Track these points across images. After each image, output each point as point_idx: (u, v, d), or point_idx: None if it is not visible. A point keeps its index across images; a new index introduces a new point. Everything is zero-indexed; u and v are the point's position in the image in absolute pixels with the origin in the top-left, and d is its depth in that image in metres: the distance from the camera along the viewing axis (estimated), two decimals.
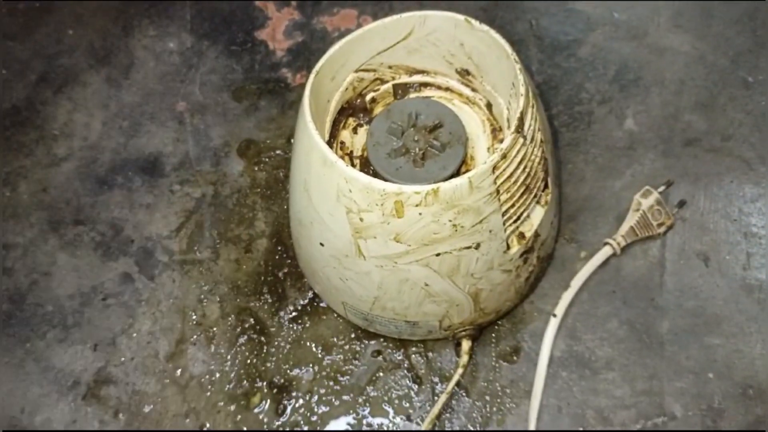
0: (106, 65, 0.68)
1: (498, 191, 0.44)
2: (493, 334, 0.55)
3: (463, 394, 0.54)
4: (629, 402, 0.52)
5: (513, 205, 0.46)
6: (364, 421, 0.53)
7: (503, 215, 0.45)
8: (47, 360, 0.56)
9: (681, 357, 0.53)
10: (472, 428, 0.53)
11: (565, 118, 0.60)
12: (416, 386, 0.54)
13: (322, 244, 0.49)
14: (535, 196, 0.48)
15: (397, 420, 0.53)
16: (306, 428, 0.53)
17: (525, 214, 0.47)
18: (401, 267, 0.47)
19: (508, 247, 0.47)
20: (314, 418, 0.53)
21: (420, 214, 0.43)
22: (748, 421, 0.51)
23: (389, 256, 0.46)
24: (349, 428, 0.53)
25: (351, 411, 0.54)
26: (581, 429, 0.52)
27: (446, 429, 0.53)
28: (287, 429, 0.53)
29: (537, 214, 0.49)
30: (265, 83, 0.66)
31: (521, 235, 0.48)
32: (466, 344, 0.53)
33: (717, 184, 0.58)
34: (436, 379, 0.54)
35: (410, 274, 0.47)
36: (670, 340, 0.54)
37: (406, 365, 0.55)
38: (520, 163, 0.45)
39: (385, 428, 0.53)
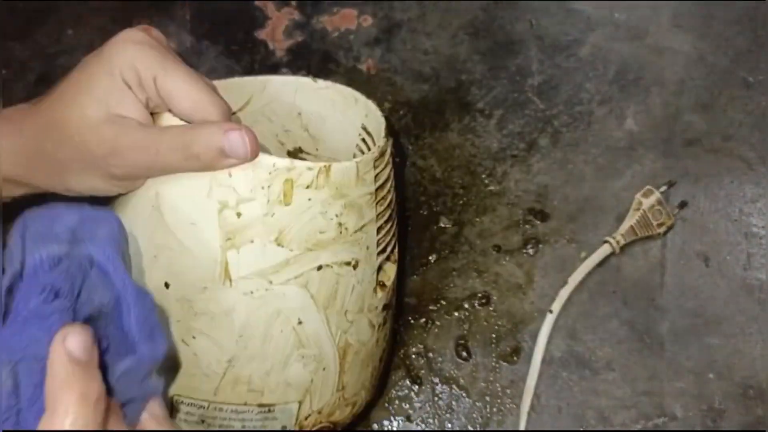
0: None
1: (376, 195, 0.42)
2: (493, 335, 0.55)
3: (464, 394, 0.53)
4: (629, 402, 0.52)
5: (382, 227, 0.44)
6: (364, 422, 0.53)
7: (377, 232, 0.43)
8: None
9: (681, 357, 0.53)
10: (471, 429, 0.53)
11: (565, 118, 0.60)
12: (416, 387, 0.54)
13: (167, 285, 0.40)
14: (393, 236, 0.46)
15: (398, 421, 0.53)
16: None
17: (388, 249, 0.45)
18: (275, 290, 0.40)
19: (375, 292, 0.45)
20: None
21: (309, 200, 0.40)
22: (749, 422, 0.51)
23: (264, 272, 0.40)
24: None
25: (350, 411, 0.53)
26: (581, 429, 0.52)
27: (446, 429, 0.53)
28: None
29: (391, 269, 0.47)
30: None
31: (382, 285, 0.46)
32: None
33: (717, 184, 0.58)
34: (437, 380, 0.54)
35: (285, 301, 0.41)
36: (670, 340, 0.53)
37: (406, 366, 0.55)
38: (387, 180, 0.44)
39: (386, 429, 0.53)
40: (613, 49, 0.62)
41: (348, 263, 0.42)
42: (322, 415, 0.45)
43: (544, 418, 0.52)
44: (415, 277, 0.57)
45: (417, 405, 0.54)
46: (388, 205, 0.46)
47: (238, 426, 0.42)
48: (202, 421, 0.42)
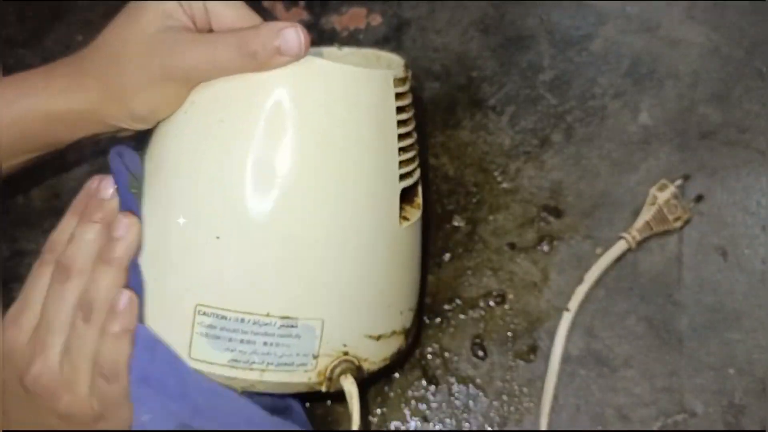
0: None
1: (397, 112, 0.45)
2: (510, 333, 0.55)
3: (480, 394, 0.53)
4: (648, 399, 0.52)
5: (404, 151, 0.46)
6: (381, 423, 0.53)
7: (398, 153, 0.45)
8: None
9: (700, 353, 0.52)
10: (489, 428, 0.52)
11: (578, 113, 0.60)
12: (433, 387, 0.54)
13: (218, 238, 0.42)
14: (414, 170, 0.47)
15: (414, 421, 0.53)
16: (320, 429, 0.53)
17: (410, 178, 0.47)
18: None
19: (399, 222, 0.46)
20: (330, 419, 0.53)
21: None
22: None
23: None
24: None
25: (367, 412, 0.53)
26: (600, 428, 0.51)
27: (463, 429, 0.53)
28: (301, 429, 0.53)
29: (413, 213, 0.48)
30: None
31: (404, 219, 0.47)
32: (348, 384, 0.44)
33: (734, 176, 0.57)
34: (453, 380, 0.54)
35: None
36: (689, 336, 0.53)
37: (421, 366, 0.55)
38: (408, 107, 0.46)
39: (402, 429, 0.53)
40: (625, 43, 0.61)
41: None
42: (347, 348, 0.44)
43: (563, 417, 0.52)
44: (429, 276, 0.57)
45: (434, 405, 0.53)
46: (409, 134, 0.46)
47: (260, 342, 0.42)
48: (219, 338, 0.42)
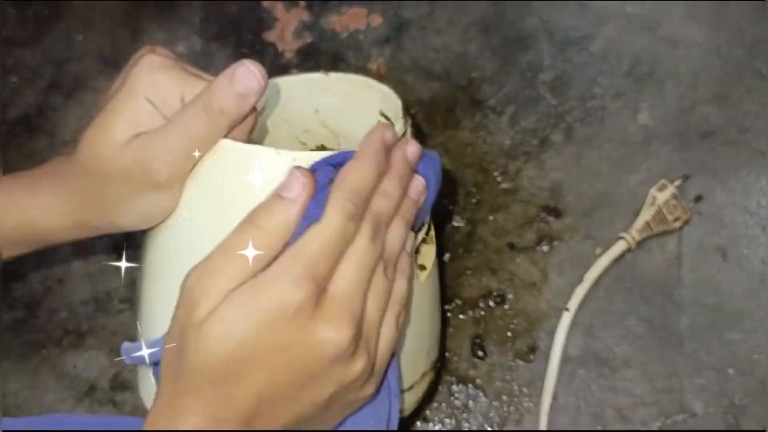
0: (116, 70, 0.67)
1: None
2: (509, 333, 0.55)
3: (480, 394, 0.53)
4: (649, 400, 0.52)
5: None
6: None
7: None
8: (62, 366, 0.56)
9: (701, 353, 0.52)
10: (489, 428, 0.52)
11: (578, 114, 0.60)
12: (433, 387, 0.54)
13: None
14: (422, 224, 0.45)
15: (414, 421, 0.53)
16: None
17: (423, 230, 0.45)
18: None
19: (417, 276, 0.45)
20: None
21: None
22: None
23: None
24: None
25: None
26: (600, 428, 0.51)
27: (463, 429, 0.53)
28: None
29: (429, 251, 0.47)
30: None
31: (423, 267, 0.46)
32: None
33: (734, 176, 0.57)
34: (453, 379, 0.54)
35: None
36: (689, 336, 0.53)
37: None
38: None
39: (402, 429, 0.53)
40: (625, 43, 0.61)
41: None
42: None
43: (563, 417, 0.52)
44: None
45: (433, 405, 0.53)
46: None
47: None
48: None
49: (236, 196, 0.39)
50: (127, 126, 0.39)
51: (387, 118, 0.47)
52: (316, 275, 0.34)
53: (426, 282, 0.46)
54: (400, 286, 0.39)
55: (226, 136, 0.39)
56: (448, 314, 0.56)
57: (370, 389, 0.38)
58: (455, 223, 0.58)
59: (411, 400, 0.47)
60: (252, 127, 0.41)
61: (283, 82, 0.49)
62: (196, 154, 0.39)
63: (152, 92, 0.40)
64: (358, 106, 0.49)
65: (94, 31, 0.69)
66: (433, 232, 0.48)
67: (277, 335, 0.33)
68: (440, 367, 0.52)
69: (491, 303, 0.56)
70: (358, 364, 0.35)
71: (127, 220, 0.41)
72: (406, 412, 0.47)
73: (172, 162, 0.39)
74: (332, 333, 0.34)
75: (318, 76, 0.51)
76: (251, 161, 0.38)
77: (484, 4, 0.64)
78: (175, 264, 0.40)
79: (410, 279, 0.40)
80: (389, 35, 0.64)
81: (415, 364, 0.46)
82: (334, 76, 0.51)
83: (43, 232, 0.43)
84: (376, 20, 0.65)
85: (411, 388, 0.46)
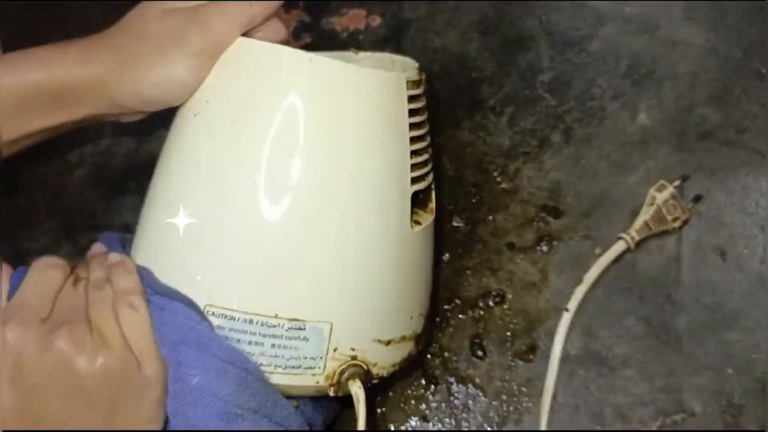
0: None
1: (409, 114, 0.45)
2: (509, 333, 0.55)
3: (480, 393, 0.53)
4: (647, 399, 0.52)
5: (417, 154, 0.46)
6: (380, 423, 0.53)
7: (410, 156, 0.45)
8: None
9: (699, 353, 0.52)
10: (488, 428, 0.52)
11: (577, 114, 0.60)
12: (432, 386, 0.54)
13: None
14: (428, 174, 0.47)
15: (414, 421, 0.53)
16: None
17: (424, 182, 0.47)
18: None
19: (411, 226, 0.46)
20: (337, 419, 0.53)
21: None
22: None
23: None
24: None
25: (366, 412, 0.53)
26: (599, 428, 0.51)
27: (463, 429, 0.53)
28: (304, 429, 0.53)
29: (426, 218, 0.48)
30: None
31: (417, 223, 0.47)
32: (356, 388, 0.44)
33: (732, 177, 0.57)
34: (452, 380, 0.54)
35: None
36: (687, 336, 0.53)
37: (421, 365, 0.55)
38: (422, 110, 0.47)
39: (402, 429, 0.53)
40: (624, 43, 0.62)
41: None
42: (355, 352, 0.44)
43: (562, 417, 0.52)
44: None
45: (433, 405, 0.53)
46: (422, 138, 0.47)
47: (268, 344, 0.42)
48: (228, 338, 0.42)
49: (254, 91, 0.42)
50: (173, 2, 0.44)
51: (412, 82, 0.47)
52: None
53: (416, 237, 0.46)
54: (121, 282, 0.42)
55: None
56: (448, 314, 0.56)
57: (145, 372, 0.40)
58: (455, 223, 0.58)
59: (386, 358, 0.46)
60: (283, 39, 0.45)
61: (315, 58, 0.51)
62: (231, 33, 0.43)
63: None
64: None
65: (95, 32, 0.69)
66: (433, 205, 0.49)
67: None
68: (422, 348, 0.51)
69: (491, 303, 0.56)
70: (88, 358, 0.39)
71: (149, 84, 0.44)
72: (376, 370, 0.46)
73: (205, 30, 0.43)
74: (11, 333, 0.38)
75: (348, 54, 0.53)
76: (271, 59, 0.42)
77: (484, 5, 0.64)
78: (193, 150, 0.43)
79: (132, 273, 0.42)
80: (389, 36, 0.64)
81: (393, 317, 0.46)
82: (363, 55, 0.53)
83: (69, 91, 0.45)
84: (376, 21, 0.65)
85: (388, 343, 0.46)
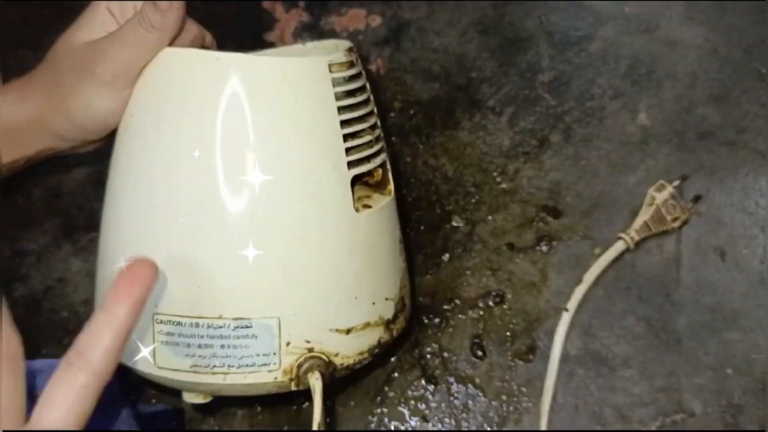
0: None
1: (338, 98, 0.44)
2: (508, 333, 0.55)
3: (479, 394, 0.53)
4: (647, 399, 0.52)
5: (353, 137, 0.45)
6: (380, 423, 0.53)
7: (344, 139, 0.44)
8: None
9: (699, 353, 0.52)
10: (488, 428, 0.52)
11: (576, 114, 0.60)
12: (432, 386, 0.54)
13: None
14: (375, 156, 0.46)
15: (414, 421, 0.53)
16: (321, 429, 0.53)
17: (366, 165, 0.46)
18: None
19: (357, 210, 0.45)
20: (329, 419, 0.53)
21: None
22: None
23: None
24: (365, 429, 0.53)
25: (367, 412, 0.53)
26: (599, 428, 0.51)
27: (462, 429, 0.53)
28: (303, 429, 0.53)
29: (380, 200, 0.47)
30: None
31: (367, 206, 0.46)
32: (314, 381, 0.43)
33: (732, 177, 0.57)
34: (452, 380, 0.54)
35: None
36: (687, 336, 0.53)
37: (421, 365, 0.55)
38: (359, 91, 0.46)
39: (402, 428, 0.53)
40: (624, 43, 0.62)
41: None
42: (311, 344, 0.43)
43: (562, 417, 0.52)
44: (428, 276, 0.57)
45: (433, 405, 0.53)
46: (360, 119, 0.46)
47: (217, 345, 0.42)
48: (178, 344, 0.42)
49: (171, 97, 0.43)
50: (85, 30, 0.46)
51: (339, 64, 0.46)
52: None
53: (364, 220, 0.45)
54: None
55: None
56: (448, 314, 0.56)
57: None
58: (454, 223, 0.58)
59: (350, 347, 0.45)
60: (194, 39, 0.47)
61: (269, 52, 0.50)
62: (135, 60, 0.44)
63: (112, 3, 0.46)
64: None
65: None
66: (391, 187, 0.48)
67: None
68: (399, 335, 0.49)
69: (490, 303, 0.56)
70: None
71: (77, 113, 0.45)
72: (339, 360, 0.45)
73: (110, 61, 0.44)
74: None
75: (296, 46, 0.53)
76: (192, 65, 0.43)
77: (483, 5, 0.64)
78: (133, 170, 0.44)
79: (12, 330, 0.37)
80: (388, 36, 0.64)
81: (349, 305, 0.45)
82: (311, 45, 0.53)
83: (9, 131, 0.46)
84: (376, 21, 0.65)
85: (348, 332, 0.45)
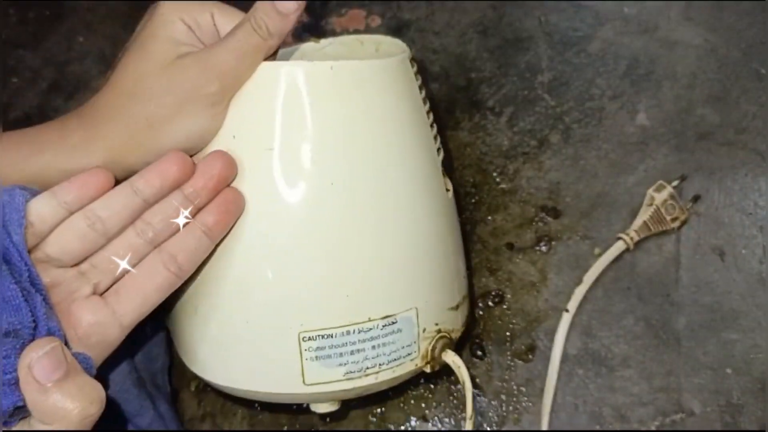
0: None
1: (421, 91, 0.46)
2: (508, 333, 0.55)
3: (479, 393, 0.53)
4: (647, 399, 0.52)
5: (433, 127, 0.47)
6: (380, 423, 0.53)
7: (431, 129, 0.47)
8: None
9: (698, 353, 0.53)
10: (488, 428, 0.53)
11: (576, 115, 0.60)
12: (432, 386, 0.54)
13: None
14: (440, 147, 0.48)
15: (413, 421, 0.53)
16: (321, 429, 0.53)
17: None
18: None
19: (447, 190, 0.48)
20: (328, 419, 0.53)
21: None
22: None
23: None
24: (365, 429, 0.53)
25: (366, 412, 0.54)
26: (598, 428, 0.51)
27: (462, 429, 0.53)
28: (303, 429, 0.53)
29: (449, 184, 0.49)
30: None
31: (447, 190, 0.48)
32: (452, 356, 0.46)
33: (731, 177, 0.57)
34: (452, 380, 0.54)
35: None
36: (686, 336, 0.53)
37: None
38: (422, 86, 0.46)
39: (402, 428, 0.53)
40: (623, 44, 0.62)
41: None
42: (439, 325, 0.45)
43: (561, 416, 0.52)
44: None
45: (433, 404, 0.53)
46: (429, 111, 0.47)
47: (368, 348, 0.43)
48: (330, 356, 0.42)
49: (279, 115, 0.41)
50: (169, 45, 0.40)
51: (412, 59, 0.47)
52: None
53: (451, 201, 0.48)
54: None
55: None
56: None
57: None
58: None
59: (457, 322, 0.47)
60: (274, 53, 0.43)
61: (281, 53, 0.50)
62: (247, 72, 0.40)
63: (186, 14, 0.41)
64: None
65: (95, 33, 0.69)
66: (451, 191, 0.49)
67: None
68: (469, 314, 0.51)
69: (490, 303, 0.56)
70: None
71: (168, 145, 0.40)
72: (455, 335, 0.47)
73: (223, 76, 0.40)
74: None
75: (309, 44, 0.52)
76: (303, 77, 0.41)
77: (483, 6, 0.64)
78: (259, 195, 0.42)
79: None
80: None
81: (456, 281, 0.47)
82: (325, 42, 0.52)
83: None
84: (376, 21, 0.65)
85: (457, 307, 0.47)
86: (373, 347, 0.43)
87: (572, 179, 0.58)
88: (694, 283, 0.55)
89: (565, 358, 0.53)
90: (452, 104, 0.62)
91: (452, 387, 0.54)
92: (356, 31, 0.65)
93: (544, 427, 0.51)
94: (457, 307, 0.47)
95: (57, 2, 0.70)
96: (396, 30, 0.65)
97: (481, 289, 0.56)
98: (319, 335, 0.42)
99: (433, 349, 0.45)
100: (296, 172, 0.41)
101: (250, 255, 0.42)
